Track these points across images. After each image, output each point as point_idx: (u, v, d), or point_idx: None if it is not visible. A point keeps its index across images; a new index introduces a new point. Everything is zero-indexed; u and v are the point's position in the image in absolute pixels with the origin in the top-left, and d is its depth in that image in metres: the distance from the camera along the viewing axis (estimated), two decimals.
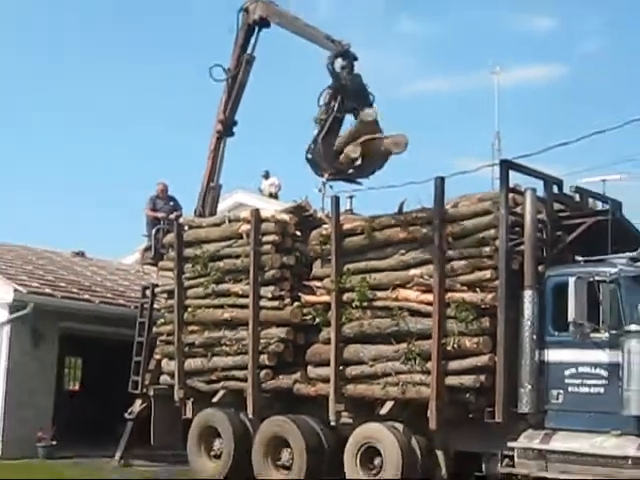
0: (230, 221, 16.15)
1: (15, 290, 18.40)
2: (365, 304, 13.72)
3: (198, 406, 16.13)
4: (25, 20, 58.09)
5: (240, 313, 15.30)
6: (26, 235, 53.59)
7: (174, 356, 16.27)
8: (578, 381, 11.64)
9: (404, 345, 13.14)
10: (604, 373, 11.39)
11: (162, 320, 17.06)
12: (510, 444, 12.01)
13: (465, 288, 12.59)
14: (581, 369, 11.62)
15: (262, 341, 14.87)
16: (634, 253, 12.25)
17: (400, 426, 13.24)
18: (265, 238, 15.13)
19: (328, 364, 13.92)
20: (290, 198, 15.52)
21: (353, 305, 13.83)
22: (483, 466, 12.75)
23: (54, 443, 18.27)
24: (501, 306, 12.14)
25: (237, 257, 15.55)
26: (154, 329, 17.39)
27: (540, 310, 12.03)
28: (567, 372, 11.74)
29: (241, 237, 15.55)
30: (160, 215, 18.42)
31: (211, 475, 15.44)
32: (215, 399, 15.74)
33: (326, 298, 14.23)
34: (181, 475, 15.43)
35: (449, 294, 12.66)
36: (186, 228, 16.79)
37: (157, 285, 17.73)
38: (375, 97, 13.95)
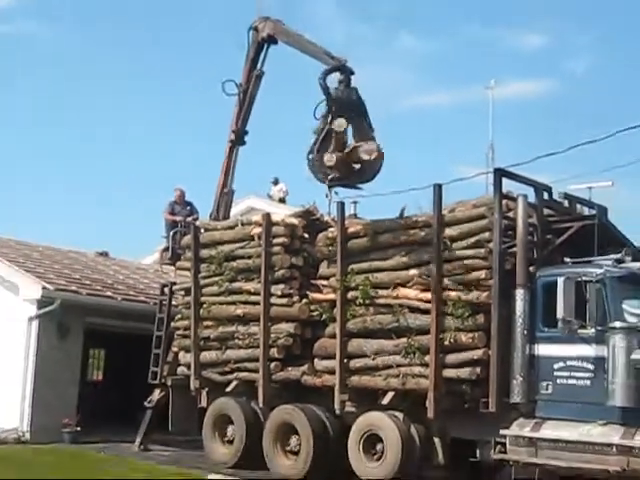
0: (243, 224, 16.17)
1: (43, 287, 18.41)
2: (368, 302, 13.73)
3: (212, 395, 16.16)
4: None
5: (252, 309, 15.30)
6: (54, 236, 53.66)
7: (190, 349, 16.28)
8: (566, 374, 11.61)
9: (404, 340, 13.14)
10: (590, 366, 11.36)
11: (179, 316, 17.07)
12: (503, 432, 11.97)
13: (461, 287, 12.60)
14: (569, 362, 11.60)
15: (272, 335, 14.87)
16: (618, 255, 12.22)
17: (400, 415, 13.22)
18: (275, 240, 15.12)
19: (333, 357, 13.92)
20: (297, 203, 15.56)
21: (357, 302, 13.84)
22: (477, 452, 12.74)
23: (79, 429, 18.27)
24: (495, 304, 12.13)
25: (249, 258, 15.55)
26: (172, 324, 17.38)
27: (531, 308, 12.00)
28: (556, 365, 11.71)
29: (253, 239, 15.56)
30: (178, 219, 18.43)
31: (227, 460, 15.42)
32: (228, 389, 15.74)
33: (332, 296, 14.22)
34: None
35: (446, 292, 12.66)
36: (202, 231, 16.79)
37: (175, 283, 17.71)
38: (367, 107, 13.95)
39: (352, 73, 14.07)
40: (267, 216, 15.43)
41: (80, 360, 19.95)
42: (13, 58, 56.52)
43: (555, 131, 38.55)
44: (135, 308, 19.83)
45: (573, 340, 11.53)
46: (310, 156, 14.00)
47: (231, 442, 15.60)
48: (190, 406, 16.72)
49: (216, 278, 16.06)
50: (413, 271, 13.30)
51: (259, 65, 17.37)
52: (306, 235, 15.41)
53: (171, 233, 18.10)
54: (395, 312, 13.35)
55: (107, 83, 55.96)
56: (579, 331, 11.48)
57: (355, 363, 13.74)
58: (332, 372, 13.98)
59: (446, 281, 12.70)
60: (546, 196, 13.31)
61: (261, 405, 15.12)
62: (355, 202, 16.44)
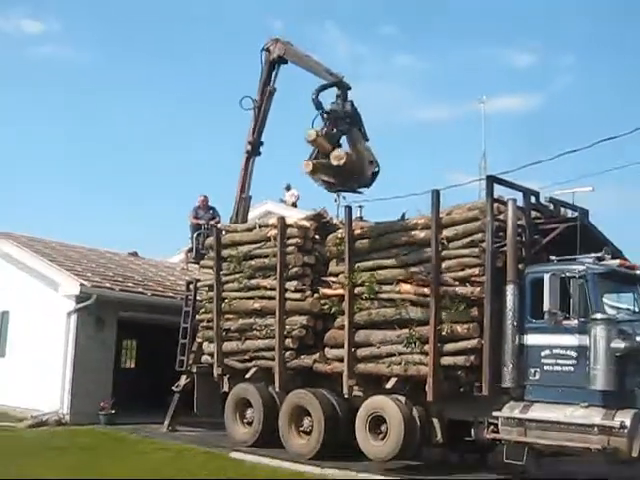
0: (260, 227, 16.18)
1: (81, 284, 18.52)
2: (373, 296, 13.72)
3: (233, 381, 16.20)
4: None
5: (268, 304, 15.32)
6: (91, 238, 53.80)
7: (213, 339, 16.33)
8: (552, 361, 11.56)
9: (406, 330, 13.14)
10: (574, 354, 11.32)
11: (203, 309, 17.10)
12: (495, 413, 11.97)
13: (457, 283, 12.56)
14: (555, 351, 11.55)
15: (287, 327, 14.90)
16: (599, 254, 12.19)
17: (402, 398, 13.21)
18: (289, 241, 15.15)
19: (342, 346, 13.93)
20: (308, 207, 15.59)
21: (363, 297, 13.84)
22: (472, 432, 12.70)
23: (113, 412, 18.37)
24: (487, 298, 12.11)
25: (266, 257, 15.57)
26: (196, 317, 17.43)
27: (520, 301, 11.95)
28: (543, 353, 11.66)
29: (269, 240, 15.58)
30: (201, 222, 18.52)
31: (246, 440, 15.47)
32: (247, 375, 15.77)
33: (340, 291, 14.22)
34: None
35: (444, 288, 12.64)
36: (223, 233, 16.80)
37: (199, 280, 17.72)
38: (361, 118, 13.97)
39: (349, 88, 14.04)
40: (282, 219, 15.47)
41: (114, 350, 20.08)
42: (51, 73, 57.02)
43: (541, 141, 38.48)
44: (163, 302, 19.90)
45: (558, 330, 11.48)
46: None
47: (250, 423, 15.66)
48: (213, 391, 16.76)
49: (236, 275, 16.10)
50: (414, 268, 13.30)
51: (271, 83, 17.38)
52: (317, 236, 15.42)
53: (195, 235, 18.20)
54: (397, 306, 13.36)
55: (139, 96, 56.49)
56: (564, 322, 11.42)
57: (362, 352, 13.75)
58: (341, 360, 13.99)
59: (443, 277, 12.68)
60: (533, 200, 13.25)
61: (277, 390, 15.15)
62: (361, 206, 16.45)
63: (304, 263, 15.06)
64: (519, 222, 12.54)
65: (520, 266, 12.25)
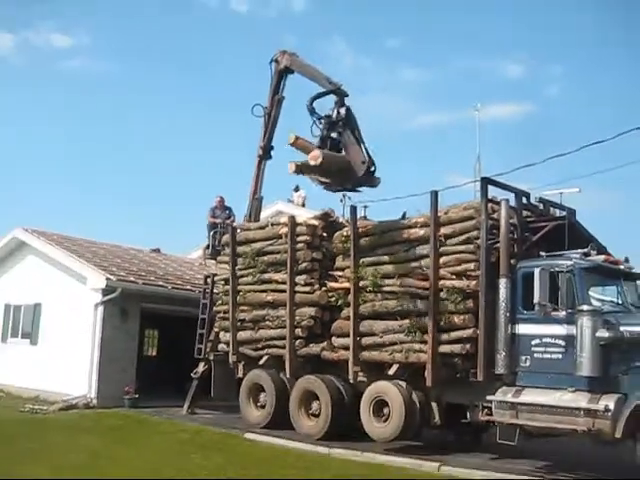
0: (272, 225, 16.23)
1: (107, 278, 18.60)
2: (376, 289, 13.75)
3: (247, 368, 16.24)
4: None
5: (280, 296, 15.36)
6: (116, 235, 54.01)
7: (229, 329, 16.37)
8: (542, 349, 11.55)
9: (407, 321, 13.17)
10: (562, 343, 11.31)
11: (220, 301, 17.15)
12: (489, 397, 11.97)
13: (454, 277, 12.58)
14: (544, 340, 11.54)
15: (297, 318, 14.93)
16: (585, 250, 12.19)
17: (403, 384, 13.25)
18: (299, 238, 15.20)
19: (348, 336, 13.95)
20: (315, 207, 15.60)
21: (367, 290, 13.86)
22: (468, 414, 12.73)
23: (137, 396, 18.43)
24: (482, 291, 12.14)
25: (277, 253, 15.61)
26: (214, 308, 17.47)
27: (512, 294, 11.96)
28: (533, 342, 11.65)
29: (280, 237, 15.60)
30: (218, 221, 18.55)
31: (259, 422, 15.52)
32: (260, 362, 15.82)
33: (346, 285, 14.25)
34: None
35: (442, 281, 12.66)
36: (238, 231, 16.82)
37: (216, 274, 17.75)
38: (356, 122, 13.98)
39: (346, 95, 14.10)
40: (292, 218, 15.51)
41: (137, 339, 20.14)
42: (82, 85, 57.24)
43: (532, 146, 38.52)
44: (183, 295, 19.94)
45: (547, 321, 11.46)
46: None
47: (263, 407, 15.71)
48: (229, 377, 16.78)
49: (250, 270, 16.13)
50: (414, 263, 13.33)
51: (280, 92, 17.35)
52: (325, 234, 15.46)
53: (212, 233, 18.25)
54: (399, 298, 13.39)
55: (162, 102, 56.69)
56: (552, 313, 11.41)
57: (366, 340, 13.76)
58: (347, 348, 14.02)
59: (441, 272, 12.69)
60: (525, 200, 13.24)
61: (288, 376, 15.19)
62: (365, 206, 16.32)
63: (313, 259, 15.09)
64: (511, 220, 12.53)
65: (512, 261, 12.24)
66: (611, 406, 10.47)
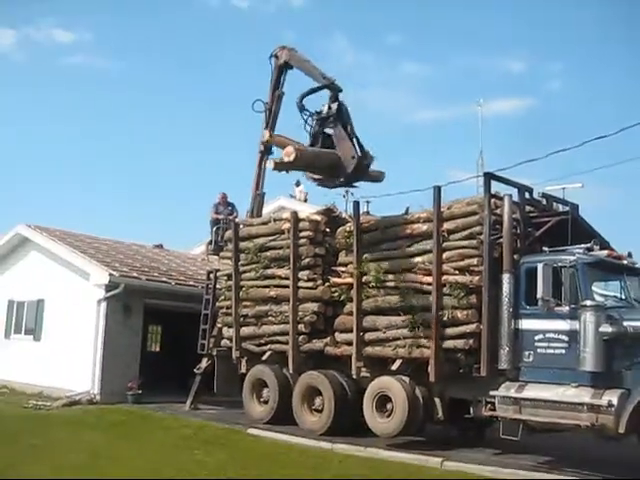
0: (275, 221, 16.21)
1: (110, 274, 18.61)
2: (379, 285, 13.73)
3: (250, 363, 16.25)
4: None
5: (283, 291, 15.38)
6: (119, 231, 54.14)
7: (232, 325, 16.39)
8: (545, 344, 11.54)
9: (410, 316, 13.15)
10: (565, 338, 11.30)
11: (223, 297, 17.14)
12: (492, 393, 11.94)
13: (457, 272, 12.57)
14: (547, 335, 11.52)
15: (300, 313, 14.96)
16: (588, 245, 12.17)
17: (407, 379, 13.26)
18: (302, 234, 15.20)
19: (351, 331, 13.97)
20: (317, 202, 15.61)
21: (370, 285, 13.86)
22: (471, 410, 12.71)
23: (140, 392, 18.47)
24: (485, 286, 12.13)
25: (280, 248, 15.61)
26: (216, 304, 17.47)
27: (515, 289, 11.93)
28: (536, 337, 11.64)
29: (283, 233, 15.61)
30: (221, 217, 18.58)
31: (262, 417, 15.55)
32: (263, 358, 15.83)
33: (349, 280, 14.25)
34: None
35: (445, 277, 12.65)
36: (241, 226, 16.83)
37: (219, 270, 17.76)
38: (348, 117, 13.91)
39: (339, 90, 14.04)
40: (295, 214, 15.51)
41: (141, 334, 20.12)
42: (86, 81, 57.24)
43: (534, 141, 38.50)
44: (186, 291, 19.94)
45: (551, 316, 11.45)
46: None
47: (266, 402, 15.72)
48: (232, 372, 16.77)
49: (253, 265, 16.13)
50: (417, 259, 13.31)
51: (280, 87, 17.27)
52: (327, 229, 15.43)
53: (214, 229, 18.27)
54: (402, 293, 13.36)
55: (165, 100, 56.67)
56: (556, 309, 11.38)
57: (369, 336, 13.77)
58: (350, 343, 14.03)
59: (444, 267, 12.69)
60: (527, 195, 13.22)
61: (291, 371, 15.22)
62: (368, 201, 16.46)
63: (315, 254, 15.09)
64: (514, 216, 12.52)
65: (515, 256, 12.23)
66: (614, 401, 10.45)
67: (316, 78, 14.59)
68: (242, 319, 16.21)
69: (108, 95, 57.06)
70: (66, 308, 19.91)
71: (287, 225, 15.44)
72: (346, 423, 14.22)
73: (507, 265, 12.01)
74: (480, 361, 12.08)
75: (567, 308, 11.35)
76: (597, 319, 10.78)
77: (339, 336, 14.45)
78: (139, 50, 59.61)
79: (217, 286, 17.77)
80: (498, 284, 12.04)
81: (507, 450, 12.46)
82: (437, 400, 13.13)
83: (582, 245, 12.16)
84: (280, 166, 13.45)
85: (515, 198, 12.75)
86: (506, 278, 11.96)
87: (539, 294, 11.38)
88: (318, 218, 15.40)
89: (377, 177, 14.87)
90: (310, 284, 14.98)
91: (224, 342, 16.95)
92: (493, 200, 12.56)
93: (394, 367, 13.34)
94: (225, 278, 17.13)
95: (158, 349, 26.19)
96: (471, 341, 12.24)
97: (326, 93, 14.21)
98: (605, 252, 12.29)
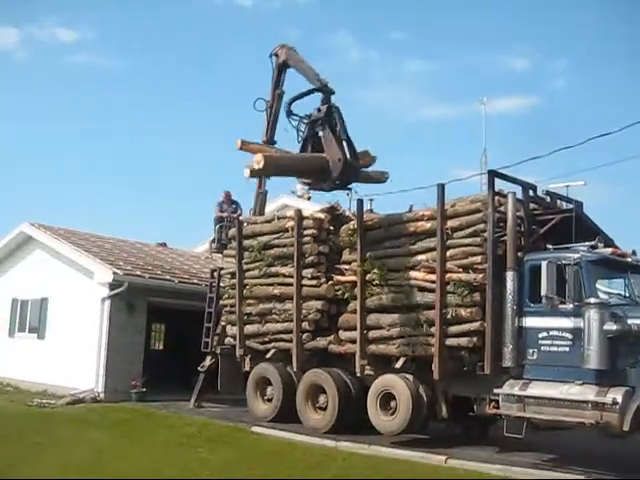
0: (279, 218, 16.22)
1: (114, 273, 18.63)
2: (383, 282, 13.75)
3: (254, 361, 16.27)
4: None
5: (286, 290, 15.39)
6: (122, 230, 54.22)
7: (236, 323, 16.41)
8: (549, 342, 11.53)
9: (414, 314, 13.17)
10: (569, 336, 11.29)
11: (226, 295, 17.17)
12: (496, 391, 11.95)
13: (461, 270, 12.56)
14: (551, 333, 11.52)
15: (303, 311, 14.95)
16: (592, 242, 12.16)
17: (410, 377, 13.28)
18: (305, 232, 15.19)
19: (355, 329, 13.97)
20: (320, 200, 15.61)
21: (374, 283, 13.87)
22: (475, 408, 12.74)
23: (144, 390, 18.50)
24: (489, 284, 12.11)
25: (284, 246, 15.63)
26: (220, 302, 17.51)
27: (519, 287, 11.92)
28: (540, 335, 11.63)
29: (287, 231, 15.62)
30: (225, 215, 18.61)
31: (266, 415, 15.56)
32: (267, 356, 15.84)
33: (353, 278, 14.26)
34: None
35: (448, 274, 12.63)
36: (245, 224, 16.84)
37: (222, 268, 17.78)
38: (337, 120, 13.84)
39: (332, 93, 13.99)
40: (299, 212, 15.50)
41: (144, 333, 20.19)
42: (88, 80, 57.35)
43: (537, 139, 38.48)
44: (189, 289, 19.96)
45: (555, 314, 11.45)
46: None
47: (270, 400, 15.75)
48: (236, 370, 16.80)
49: (257, 263, 16.16)
50: (421, 257, 13.32)
51: (280, 86, 17.19)
52: (331, 227, 15.43)
53: (217, 227, 18.29)
54: (406, 291, 13.39)
55: (169, 99, 56.79)
56: (560, 306, 11.38)
57: (373, 334, 13.78)
58: (353, 341, 14.04)
59: (448, 265, 12.67)
60: (531, 193, 13.19)
61: (295, 369, 15.22)
62: (371, 199, 16.33)
63: (319, 252, 15.08)
64: (518, 213, 12.51)
65: (519, 254, 12.22)
66: (619, 399, 10.45)
67: (310, 79, 14.58)
68: (246, 317, 16.22)
69: (111, 94, 57.15)
70: (70, 306, 19.94)
71: (291, 223, 15.44)
72: (350, 421, 14.23)
73: (511, 263, 12.00)
74: (484, 359, 12.07)
75: (571, 306, 11.33)
76: (601, 317, 10.77)
77: (343, 334, 14.46)
78: (142, 48, 59.76)
79: (221, 284, 17.77)
80: (502, 282, 12.03)
81: (511, 448, 12.45)
82: (441, 398, 13.13)
83: (586, 243, 12.17)
84: (254, 173, 13.42)
85: (519, 196, 12.70)
86: (510, 276, 11.95)
87: (543, 292, 11.37)
88: (322, 216, 15.40)
89: (378, 178, 14.90)
90: (314, 282, 14.98)
91: (228, 340, 16.97)
92: (497, 198, 12.53)
93: (398, 365, 13.34)
94: (229, 276, 17.15)
95: (162, 347, 26.26)
96: (475, 339, 12.24)
97: (319, 96, 14.21)
98: (609, 250, 12.27)
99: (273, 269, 15.84)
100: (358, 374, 14.04)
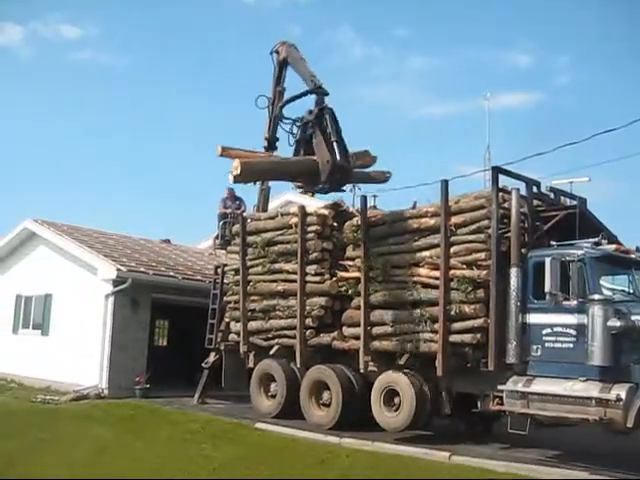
0: (282, 215, 16.23)
1: (117, 269, 18.69)
2: (387, 279, 13.76)
3: (258, 358, 16.28)
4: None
5: (290, 286, 15.40)
6: (126, 226, 54.31)
7: (239, 319, 16.43)
8: (553, 338, 11.54)
9: (417, 310, 13.17)
10: (573, 332, 11.29)
11: (230, 291, 17.17)
12: (500, 387, 11.95)
13: (465, 266, 12.55)
14: (555, 329, 11.51)
15: (307, 308, 14.98)
16: (596, 239, 12.15)
17: (414, 373, 13.29)
18: (309, 228, 15.20)
19: (358, 325, 13.98)
20: (322, 196, 15.57)
21: (377, 280, 13.87)
22: (478, 404, 12.74)
23: (148, 386, 18.54)
24: (493, 280, 12.12)
25: (288, 243, 15.64)
26: (224, 298, 17.52)
27: (523, 283, 11.92)
28: (544, 331, 11.64)
29: (291, 227, 15.62)
30: (228, 211, 18.62)
31: (270, 412, 15.59)
32: (271, 352, 15.86)
33: (357, 274, 14.27)
34: None
35: (452, 271, 12.64)
36: (248, 221, 16.86)
37: (226, 265, 17.81)
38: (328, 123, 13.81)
39: (326, 94, 14.03)
40: (302, 208, 15.51)
41: (148, 329, 20.22)
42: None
43: (541, 135, 38.44)
44: (193, 285, 20.02)
45: (559, 310, 11.44)
46: None
47: (274, 396, 15.78)
48: (239, 367, 16.81)
49: (260, 260, 16.17)
50: (424, 253, 13.31)
51: (281, 83, 17.11)
52: (335, 224, 15.43)
53: (221, 223, 18.31)
54: (409, 287, 13.37)
55: (172, 95, 56.78)
56: (564, 303, 11.36)
57: (376, 330, 13.78)
58: (357, 338, 14.06)
59: (452, 261, 12.68)
60: (535, 189, 13.18)
61: (298, 365, 15.24)
62: (375, 196, 16.42)
63: (323, 248, 15.10)
64: (522, 210, 12.52)
65: (523, 250, 12.23)
66: (623, 395, 10.46)
67: (305, 79, 14.61)
68: (250, 313, 16.24)
69: (114, 90, 57.15)
70: (74, 303, 20.00)
71: (294, 219, 15.46)
72: (354, 417, 14.25)
73: (515, 259, 12.01)
74: (488, 355, 12.08)
75: (575, 302, 11.32)
76: (605, 313, 10.77)
77: (347, 330, 14.47)
78: (146, 45, 59.76)
79: (224, 281, 17.81)
80: (506, 278, 12.04)
81: (515, 444, 12.47)
82: (444, 394, 13.13)
83: (590, 239, 12.15)
84: (236, 179, 13.40)
85: (523, 192, 12.72)
86: (514, 272, 11.96)
87: (547, 288, 11.38)
88: (325, 212, 15.41)
89: (379, 178, 14.91)
90: (318, 278, 15.00)
91: (232, 336, 16.99)
92: (501, 194, 12.54)
93: (401, 361, 13.37)
94: (232, 273, 17.15)
95: (165, 343, 26.25)
96: (479, 335, 12.24)
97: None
98: (613, 246, 12.27)
99: (277, 265, 15.85)
100: (362, 370, 14.05)
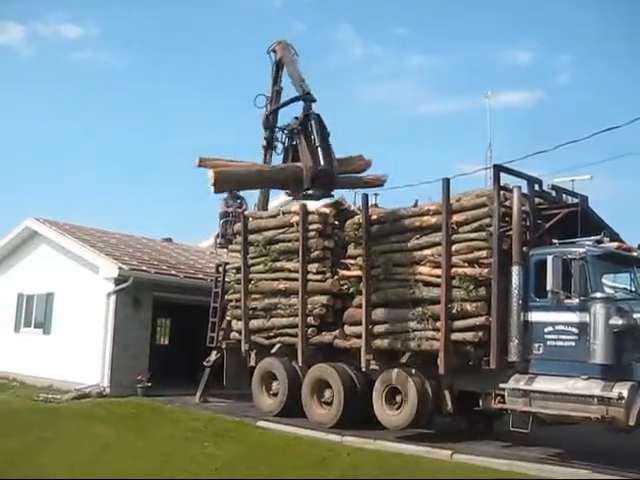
0: (284, 213, 16.22)
1: (119, 268, 18.68)
2: (388, 277, 13.73)
3: (260, 356, 16.29)
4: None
5: (292, 284, 15.40)
6: (128, 225, 54.30)
7: (241, 318, 16.42)
8: (555, 336, 11.53)
9: (419, 309, 13.14)
10: (575, 330, 11.29)
11: (231, 290, 17.15)
12: (502, 385, 11.94)
13: (466, 264, 12.53)
14: (557, 327, 11.51)
15: (309, 306, 14.96)
16: (598, 237, 12.13)
17: (416, 371, 13.28)
18: (311, 226, 15.20)
19: (360, 324, 13.96)
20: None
21: (379, 278, 13.85)
22: (480, 402, 12.74)
23: (149, 384, 18.56)
24: (494, 278, 12.09)
25: (289, 241, 15.63)
26: (225, 297, 17.52)
27: (525, 281, 11.91)
28: (546, 329, 11.63)
29: (292, 226, 15.62)
30: (230, 210, 18.61)
31: (272, 410, 15.58)
32: (273, 351, 15.86)
33: (358, 273, 14.24)
34: None
35: (454, 269, 12.61)
36: (250, 219, 16.86)
37: (227, 263, 17.79)
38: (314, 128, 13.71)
39: (313, 101, 13.98)
40: (304, 206, 15.47)
41: (150, 327, 20.24)
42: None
43: (542, 133, 38.39)
44: (194, 284, 20.02)
45: (560, 308, 11.43)
46: None
47: (275, 395, 15.77)
48: (241, 365, 16.81)
49: (262, 258, 16.15)
50: (426, 251, 13.28)
51: (278, 82, 17.10)
52: (336, 222, 15.41)
53: (222, 222, 18.30)
54: (411, 286, 13.34)
55: (173, 94, 56.79)
56: (565, 301, 11.35)
57: (378, 328, 13.76)
58: (359, 336, 14.03)
59: (454, 259, 12.65)
60: (537, 187, 13.17)
61: (300, 364, 15.23)
62: (376, 194, 16.42)
63: (324, 247, 15.09)
64: (524, 208, 12.50)
65: (525, 249, 12.20)
66: (625, 394, 10.44)
67: (295, 83, 14.59)
68: (251, 312, 16.23)
69: (115, 90, 57.11)
70: (75, 301, 20.01)
71: (296, 218, 15.45)
72: (355, 415, 14.24)
73: (516, 257, 11.98)
74: (489, 353, 12.06)
75: (577, 300, 11.31)
76: (607, 311, 10.76)
77: (348, 329, 14.45)
78: (145, 45, 59.75)
79: (226, 279, 17.81)
80: (507, 276, 12.01)
81: (517, 442, 12.47)
82: (446, 392, 13.12)
83: (592, 237, 12.14)
84: (215, 189, 13.33)
85: (524, 190, 12.70)
86: (515, 270, 11.93)
87: (549, 286, 11.35)
88: (327, 211, 15.39)
89: (373, 182, 14.91)
90: (319, 277, 14.99)
91: (233, 335, 16.98)
92: (502, 192, 12.50)
93: (403, 360, 13.34)
94: (234, 271, 17.14)
95: (167, 342, 26.28)
96: (480, 333, 12.22)
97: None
98: (615, 244, 12.27)
99: (278, 264, 15.84)
100: (363, 369, 14.04)
